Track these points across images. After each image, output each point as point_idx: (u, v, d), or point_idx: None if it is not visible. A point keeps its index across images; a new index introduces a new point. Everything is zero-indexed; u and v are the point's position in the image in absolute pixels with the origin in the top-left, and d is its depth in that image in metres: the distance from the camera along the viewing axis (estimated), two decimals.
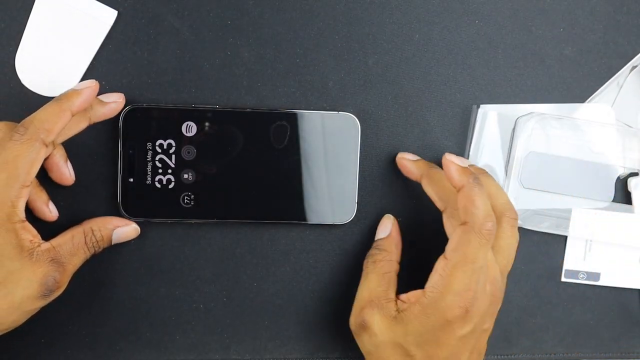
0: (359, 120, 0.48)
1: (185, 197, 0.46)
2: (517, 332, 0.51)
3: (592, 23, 0.49)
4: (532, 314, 0.51)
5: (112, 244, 0.45)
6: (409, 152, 0.49)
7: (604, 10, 0.49)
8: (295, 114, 0.47)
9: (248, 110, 0.46)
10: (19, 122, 0.44)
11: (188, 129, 0.46)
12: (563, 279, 0.51)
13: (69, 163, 0.45)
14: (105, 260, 0.47)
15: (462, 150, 0.49)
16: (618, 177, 0.50)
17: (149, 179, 0.46)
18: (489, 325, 0.43)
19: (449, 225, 0.44)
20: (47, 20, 0.45)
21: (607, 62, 0.49)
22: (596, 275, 0.51)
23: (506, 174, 0.49)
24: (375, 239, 0.48)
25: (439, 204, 0.45)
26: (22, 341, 0.47)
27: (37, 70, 0.46)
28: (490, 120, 0.49)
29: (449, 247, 0.41)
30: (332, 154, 0.47)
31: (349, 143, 0.47)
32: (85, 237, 0.43)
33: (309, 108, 0.48)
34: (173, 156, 0.46)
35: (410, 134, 0.49)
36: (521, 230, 0.50)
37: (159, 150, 0.46)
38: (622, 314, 0.51)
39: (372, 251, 0.47)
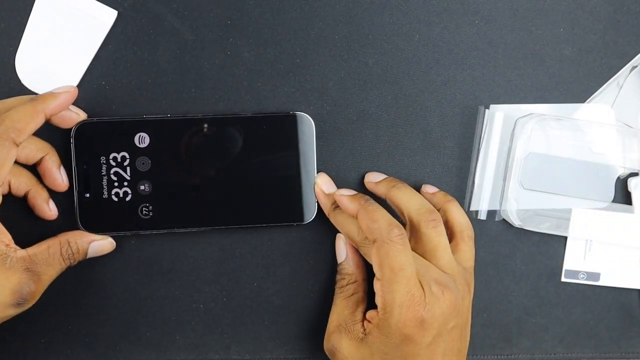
0: (359, 121, 0.48)
1: (144, 208, 0.46)
2: (517, 332, 0.51)
3: (592, 23, 0.49)
4: (532, 314, 0.51)
5: (87, 257, 0.45)
6: (408, 152, 0.49)
7: (604, 10, 0.49)
8: (248, 118, 0.46)
9: (199, 116, 0.46)
10: None
11: (140, 140, 0.45)
12: (563, 279, 0.51)
13: (62, 169, 0.45)
14: (105, 260, 0.47)
15: (463, 150, 0.49)
16: (618, 177, 0.50)
17: (105, 193, 0.45)
18: (455, 323, 0.42)
19: (368, 254, 0.44)
20: (47, 20, 0.45)
21: (607, 62, 0.49)
22: (596, 275, 0.51)
23: (506, 175, 0.49)
24: (337, 262, 0.48)
25: (351, 241, 0.46)
26: (22, 341, 0.47)
27: (37, 70, 0.46)
28: (497, 122, 0.49)
29: (375, 268, 0.41)
30: (288, 155, 0.47)
31: (306, 143, 0.47)
32: (61, 248, 0.43)
33: (309, 108, 0.48)
34: (128, 168, 0.45)
35: (410, 134, 0.49)
36: (521, 230, 0.50)
37: (113, 164, 0.45)
38: (622, 314, 0.51)
39: (337, 276, 0.48)
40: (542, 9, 0.49)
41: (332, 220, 0.47)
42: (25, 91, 0.46)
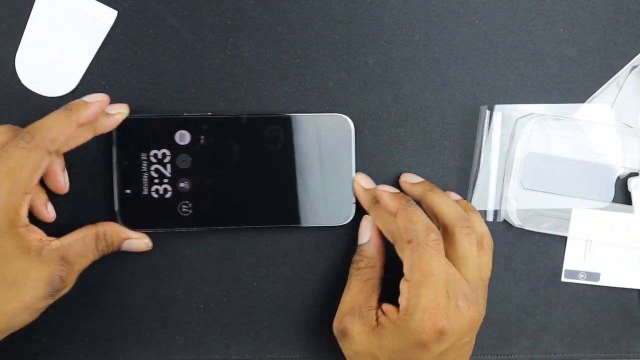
0: (359, 121, 0.48)
1: (183, 205, 0.46)
2: (517, 332, 0.51)
3: (592, 23, 0.49)
4: (532, 314, 0.51)
5: (121, 251, 0.46)
6: (408, 152, 0.49)
7: (604, 10, 0.49)
8: (288, 118, 0.46)
9: (241, 116, 0.46)
10: (18, 122, 0.44)
11: (181, 137, 0.46)
12: (563, 279, 0.51)
13: (65, 172, 0.45)
14: (105, 261, 0.47)
15: (463, 150, 0.49)
16: (618, 178, 0.50)
17: (146, 189, 0.46)
18: (469, 338, 0.42)
19: (402, 253, 0.44)
20: (47, 20, 0.45)
21: (607, 62, 0.49)
22: (596, 275, 0.51)
23: (505, 175, 0.49)
24: (358, 243, 0.47)
25: (389, 237, 0.45)
26: (22, 341, 0.47)
27: (37, 70, 0.46)
28: (497, 121, 0.49)
29: (405, 269, 0.41)
30: (327, 156, 0.47)
31: (343, 144, 0.47)
32: (96, 240, 0.44)
33: (309, 108, 0.48)
34: (168, 165, 0.46)
35: (410, 134, 0.49)
36: (521, 230, 0.50)
37: (154, 160, 0.46)
38: (622, 314, 0.51)
39: (355, 257, 0.47)
40: (542, 9, 0.49)
41: (372, 214, 0.47)
42: (25, 91, 0.46)
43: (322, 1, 0.47)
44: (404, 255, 0.42)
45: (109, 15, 0.46)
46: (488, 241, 0.46)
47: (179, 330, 0.49)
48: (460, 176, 0.49)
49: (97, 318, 0.48)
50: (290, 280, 0.49)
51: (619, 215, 0.49)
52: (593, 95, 0.50)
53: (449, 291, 0.41)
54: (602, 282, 0.51)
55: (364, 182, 0.47)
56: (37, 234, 0.41)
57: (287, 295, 0.49)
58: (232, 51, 0.47)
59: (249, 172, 0.46)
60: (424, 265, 0.40)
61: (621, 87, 0.50)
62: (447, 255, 0.43)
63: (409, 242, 0.41)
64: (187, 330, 0.49)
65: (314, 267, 0.49)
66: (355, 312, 0.44)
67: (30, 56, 0.46)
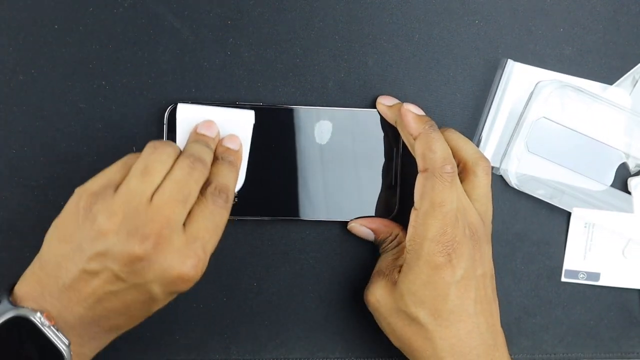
0: None
1: None
2: (517, 332, 0.51)
3: (592, 23, 0.49)
4: (532, 314, 0.51)
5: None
6: (409, 151, 0.49)
7: (604, 11, 0.49)
8: (337, 112, 0.47)
9: (290, 107, 0.47)
10: None
11: None
12: (563, 279, 0.51)
13: None
14: None
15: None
16: (623, 164, 0.49)
17: None
18: (482, 270, 0.42)
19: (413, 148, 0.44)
20: None
21: (607, 62, 0.49)
22: (596, 275, 0.51)
23: (513, 134, 0.48)
24: (373, 240, 0.48)
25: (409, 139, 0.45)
26: None
27: None
28: (517, 77, 0.48)
29: (416, 198, 0.42)
30: (375, 151, 0.47)
31: (389, 139, 0.47)
32: None
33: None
34: None
35: None
36: (522, 231, 0.50)
37: None
38: (622, 314, 0.51)
39: (380, 246, 0.47)
40: (542, 9, 0.49)
41: (400, 130, 0.45)
42: None
43: (322, 1, 0.47)
44: (417, 182, 0.42)
45: None
46: (484, 165, 0.44)
47: (179, 330, 0.49)
48: None
49: None
50: (290, 280, 0.49)
51: (619, 215, 0.49)
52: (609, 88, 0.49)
53: (458, 220, 0.41)
54: (602, 282, 0.51)
55: (386, 101, 0.47)
56: None
57: (287, 295, 0.49)
58: (232, 51, 0.47)
59: (297, 164, 0.47)
60: (435, 196, 0.41)
61: (637, 82, 0.49)
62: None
63: (425, 170, 0.41)
64: (187, 330, 0.49)
65: (314, 267, 0.49)
66: (380, 273, 0.44)
67: None
